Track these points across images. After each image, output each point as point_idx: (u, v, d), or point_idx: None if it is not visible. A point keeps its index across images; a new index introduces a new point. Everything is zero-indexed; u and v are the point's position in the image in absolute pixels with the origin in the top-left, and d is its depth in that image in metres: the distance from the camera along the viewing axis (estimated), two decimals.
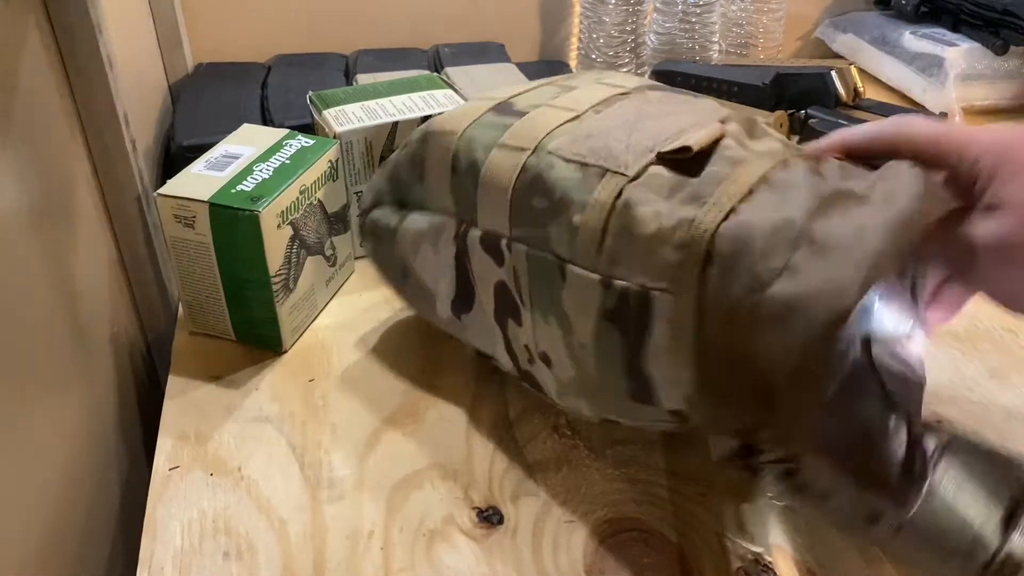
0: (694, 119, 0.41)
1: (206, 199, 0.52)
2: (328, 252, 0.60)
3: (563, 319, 0.41)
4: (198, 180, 0.54)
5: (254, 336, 0.56)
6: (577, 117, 0.44)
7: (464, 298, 0.49)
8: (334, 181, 0.60)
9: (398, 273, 0.53)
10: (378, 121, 0.62)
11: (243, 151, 0.57)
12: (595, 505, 0.45)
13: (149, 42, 0.82)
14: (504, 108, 0.47)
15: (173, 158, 0.72)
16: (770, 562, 0.42)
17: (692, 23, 0.94)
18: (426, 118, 0.63)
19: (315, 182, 0.57)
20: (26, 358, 0.45)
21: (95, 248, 0.57)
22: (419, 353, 0.56)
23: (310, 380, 0.54)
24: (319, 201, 0.58)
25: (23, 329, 0.45)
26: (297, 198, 0.55)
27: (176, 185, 0.54)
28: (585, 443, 0.49)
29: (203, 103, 0.79)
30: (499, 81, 0.81)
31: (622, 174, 0.39)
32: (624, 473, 0.47)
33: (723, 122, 0.41)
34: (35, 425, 0.45)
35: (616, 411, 0.43)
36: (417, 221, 0.49)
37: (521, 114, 0.46)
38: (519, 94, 0.48)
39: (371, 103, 0.65)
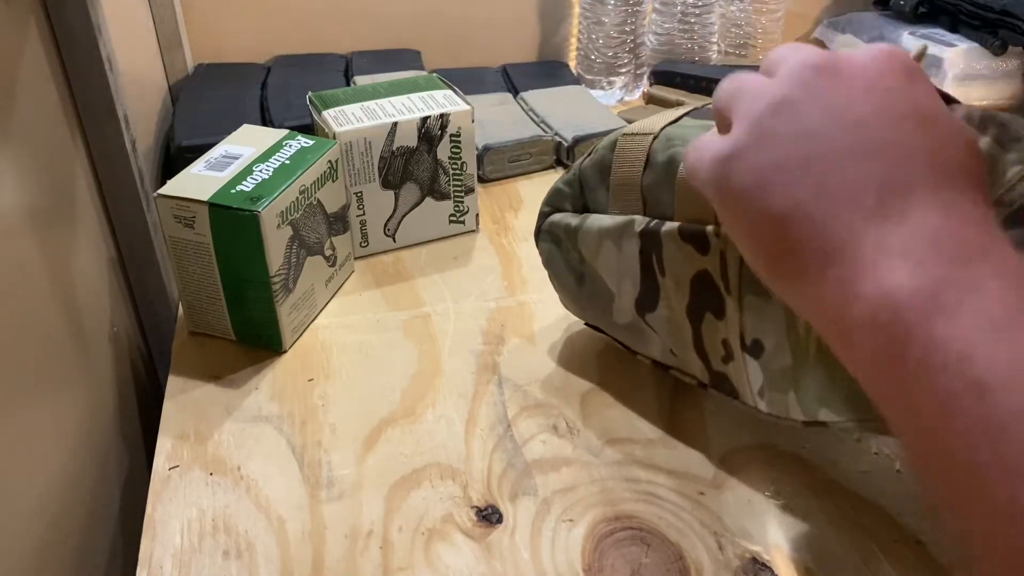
0: None
1: (206, 199, 0.52)
2: (328, 252, 0.60)
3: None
4: (198, 180, 0.54)
5: (254, 336, 0.56)
6: None
7: (649, 296, 0.47)
8: (334, 181, 0.60)
9: (572, 279, 0.52)
10: (377, 121, 0.63)
11: (243, 151, 0.58)
12: (593, 504, 0.45)
13: (149, 42, 0.82)
14: (703, 112, 0.46)
15: (172, 159, 0.72)
16: (768, 561, 0.42)
17: (691, 24, 0.94)
18: (425, 119, 0.64)
19: (315, 182, 0.57)
20: (26, 358, 0.45)
21: (95, 248, 0.58)
22: (418, 353, 0.56)
23: (309, 380, 0.54)
24: (319, 201, 0.58)
25: (23, 329, 0.45)
26: (297, 198, 0.55)
27: (176, 185, 0.54)
28: (584, 442, 0.49)
29: (203, 103, 0.79)
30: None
31: None
32: (622, 472, 0.47)
33: None
34: (35, 425, 0.45)
35: (833, 404, 0.40)
36: (600, 220, 0.48)
37: None
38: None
39: (370, 103, 0.65)
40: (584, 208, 0.50)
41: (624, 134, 0.48)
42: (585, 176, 0.50)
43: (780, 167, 0.31)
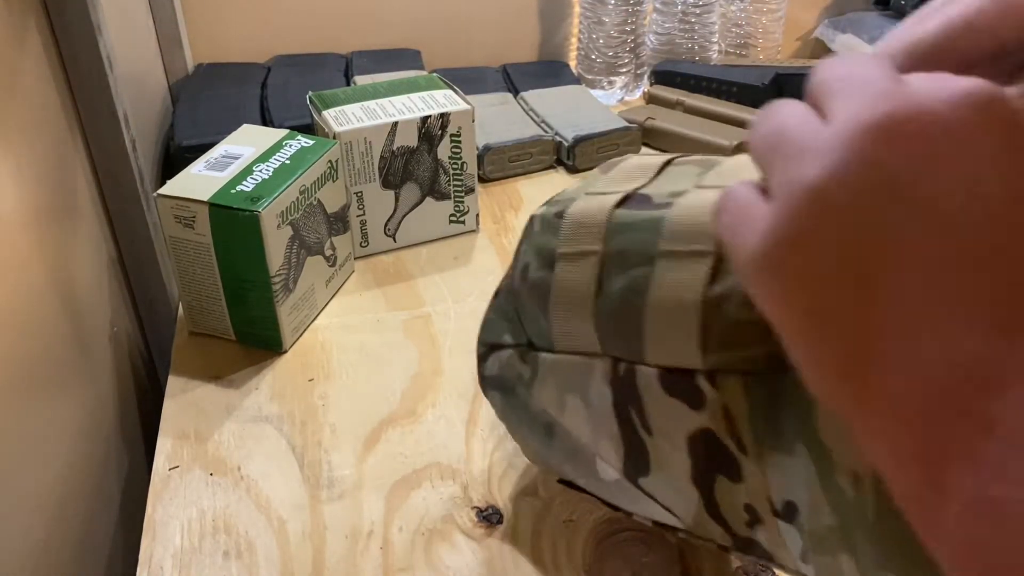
0: None
1: (206, 199, 0.52)
2: (328, 252, 0.60)
3: (820, 453, 0.31)
4: (198, 180, 0.54)
5: (254, 336, 0.56)
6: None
7: (638, 458, 0.36)
8: (334, 181, 0.60)
9: (539, 431, 0.40)
10: (378, 121, 0.62)
11: (243, 151, 0.58)
12: (594, 504, 0.45)
13: (149, 42, 0.82)
14: (639, 202, 0.36)
15: (172, 158, 0.72)
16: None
17: (691, 23, 0.94)
18: (425, 118, 0.63)
19: (315, 182, 0.57)
20: (26, 358, 0.45)
21: (95, 248, 0.58)
22: (418, 353, 0.56)
23: (310, 380, 0.54)
24: (319, 201, 0.58)
25: (23, 329, 0.45)
26: (297, 198, 0.55)
27: (176, 185, 0.54)
28: None
29: (203, 103, 0.79)
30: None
31: None
32: None
33: None
34: (35, 425, 0.45)
35: (901, 569, 0.31)
36: (556, 368, 0.38)
37: (664, 205, 0.35)
38: (646, 184, 0.37)
39: (371, 103, 0.65)
40: (529, 343, 0.39)
41: (561, 250, 0.37)
42: (518, 303, 0.39)
43: (833, 279, 0.23)
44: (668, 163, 0.38)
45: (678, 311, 0.33)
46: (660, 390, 0.34)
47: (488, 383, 0.42)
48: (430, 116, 0.64)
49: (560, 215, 0.37)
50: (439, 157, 0.66)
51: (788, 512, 0.33)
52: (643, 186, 0.37)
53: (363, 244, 0.66)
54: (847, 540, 0.32)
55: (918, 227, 0.22)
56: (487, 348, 0.42)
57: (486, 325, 0.42)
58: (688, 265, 0.33)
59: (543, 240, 0.38)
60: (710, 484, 0.35)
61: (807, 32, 1.10)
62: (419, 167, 0.65)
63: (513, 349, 0.40)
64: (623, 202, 0.36)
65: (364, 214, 0.65)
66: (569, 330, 0.37)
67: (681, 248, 0.33)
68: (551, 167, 0.80)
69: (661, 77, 0.92)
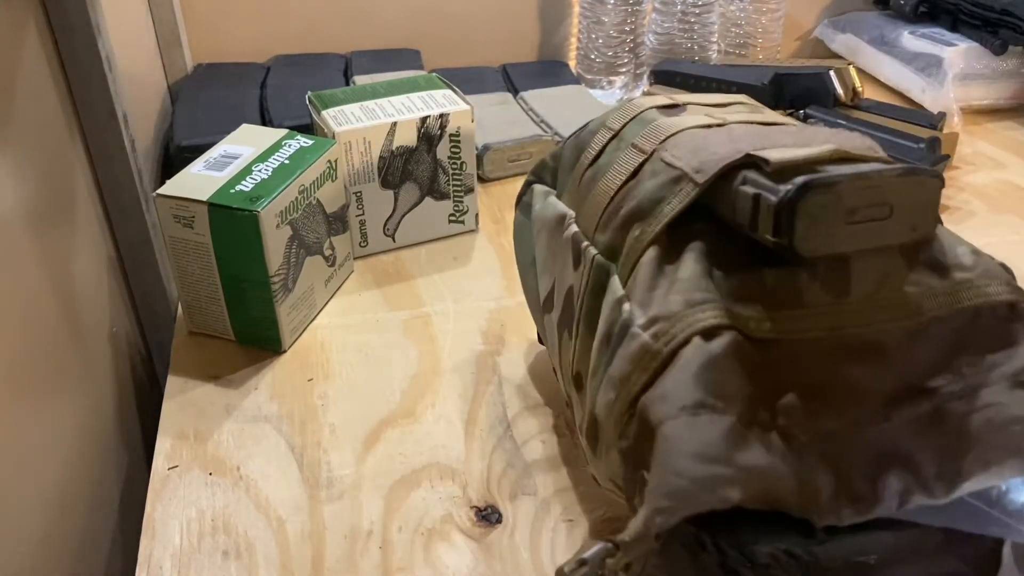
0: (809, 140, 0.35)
1: (205, 199, 0.52)
2: (327, 252, 0.60)
3: (595, 335, 0.37)
4: (197, 180, 0.54)
5: (253, 336, 0.56)
6: (712, 127, 0.38)
7: (549, 298, 0.44)
8: (333, 181, 0.60)
9: (528, 256, 0.48)
10: (377, 121, 0.62)
11: (242, 151, 0.58)
12: (594, 504, 0.45)
13: (148, 42, 0.82)
14: (671, 110, 0.41)
15: (172, 158, 0.72)
16: None
17: (691, 23, 0.94)
18: (425, 118, 0.63)
19: (314, 182, 0.57)
20: (26, 358, 0.45)
21: (95, 248, 0.58)
22: (418, 353, 0.56)
23: (309, 380, 0.54)
24: (318, 201, 0.58)
25: (22, 329, 0.45)
26: (296, 198, 0.55)
27: (175, 185, 0.54)
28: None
29: (202, 103, 0.79)
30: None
31: (693, 182, 0.35)
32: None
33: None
34: (35, 425, 0.45)
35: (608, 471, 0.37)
36: (549, 207, 0.45)
37: (679, 110, 0.41)
38: (703, 104, 0.43)
39: (370, 103, 0.65)
40: (554, 184, 0.47)
41: (604, 121, 0.43)
42: (564, 152, 0.46)
43: None
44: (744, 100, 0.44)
45: (607, 188, 0.39)
46: (570, 243, 0.41)
47: (520, 205, 0.49)
48: (429, 116, 0.64)
49: (631, 99, 0.44)
50: (438, 157, 0.66)
51: (578, 383, 0.39)
52: (698, 103, 0.42)
53: (362, 244, 0.66)
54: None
55: None
56: (535, 179, 0.48)
57: (540, 163, 0.48)
58: (631, 155, 0.39)
59: (607, 113, 0.44)
60: (562, 334, 0.42)
61: (807, 32, 1.10)
62: (418, 167, 0.65)
63: (546, 184, 0.47)
64: (666, 107, 0.41)
65: (363, 214, 0.65)
66: (571, 184, 0.44)
67: (639, 144, 0.39)
68: None
69: (660, 77, 0.92)
